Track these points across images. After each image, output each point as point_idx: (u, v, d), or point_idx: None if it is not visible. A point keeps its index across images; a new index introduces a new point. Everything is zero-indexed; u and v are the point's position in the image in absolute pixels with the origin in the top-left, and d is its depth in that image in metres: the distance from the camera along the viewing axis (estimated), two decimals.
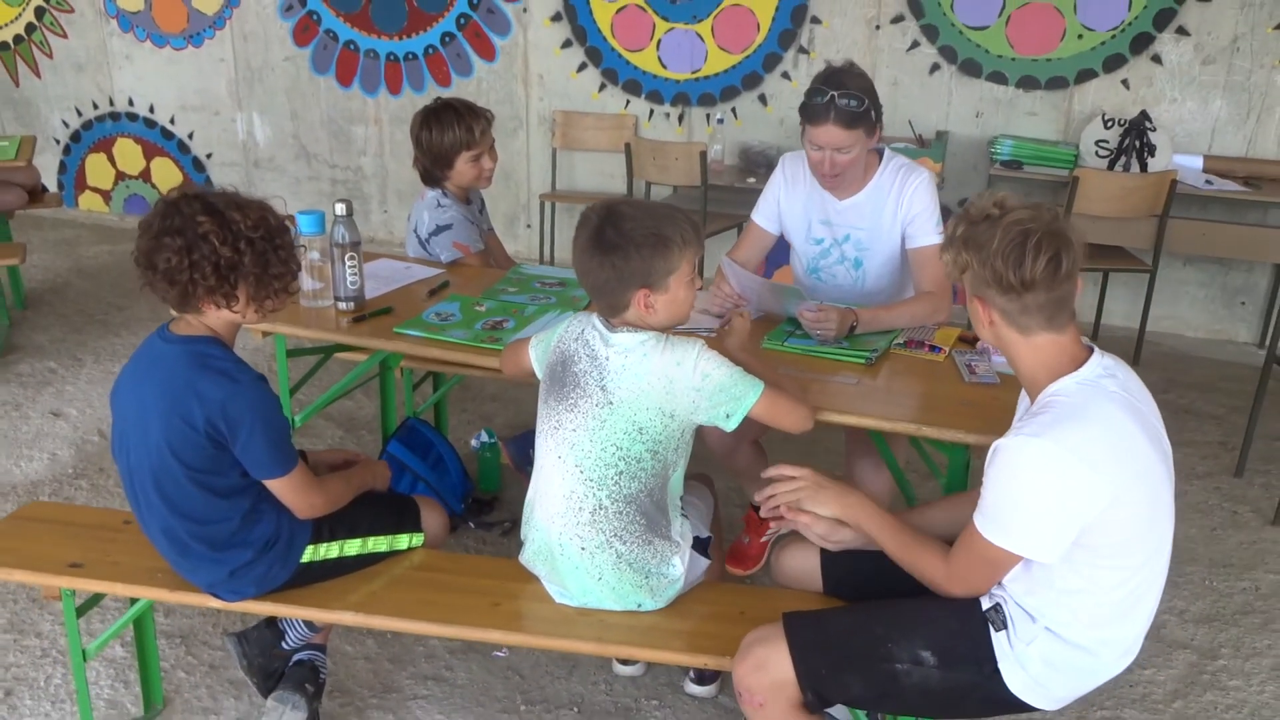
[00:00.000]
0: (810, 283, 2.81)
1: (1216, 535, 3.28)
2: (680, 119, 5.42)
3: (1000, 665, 1.73)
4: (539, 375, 2.10)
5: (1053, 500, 1.61)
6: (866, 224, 2.66)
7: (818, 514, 1.91)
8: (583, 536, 1.98)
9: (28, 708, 2.45)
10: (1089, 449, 1.60)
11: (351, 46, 5.77)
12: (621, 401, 1.93)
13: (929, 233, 2.62)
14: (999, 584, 1.76)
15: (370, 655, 2.65)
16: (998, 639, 1.74)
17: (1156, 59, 4.63)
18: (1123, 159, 4.59)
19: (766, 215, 2.82)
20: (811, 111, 2.48)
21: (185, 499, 1.94)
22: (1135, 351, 4.58)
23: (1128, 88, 4.70)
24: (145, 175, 6.45)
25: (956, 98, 4.96)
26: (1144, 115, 4.56)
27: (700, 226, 2.02)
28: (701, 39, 5.22)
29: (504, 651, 2.64)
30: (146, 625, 2.36)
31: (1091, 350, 1.73)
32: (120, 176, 6.50)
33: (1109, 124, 4.66)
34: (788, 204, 2.78)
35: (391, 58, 5.74)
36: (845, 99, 2.43)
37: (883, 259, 2.69)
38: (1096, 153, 4.68)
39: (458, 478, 3.19)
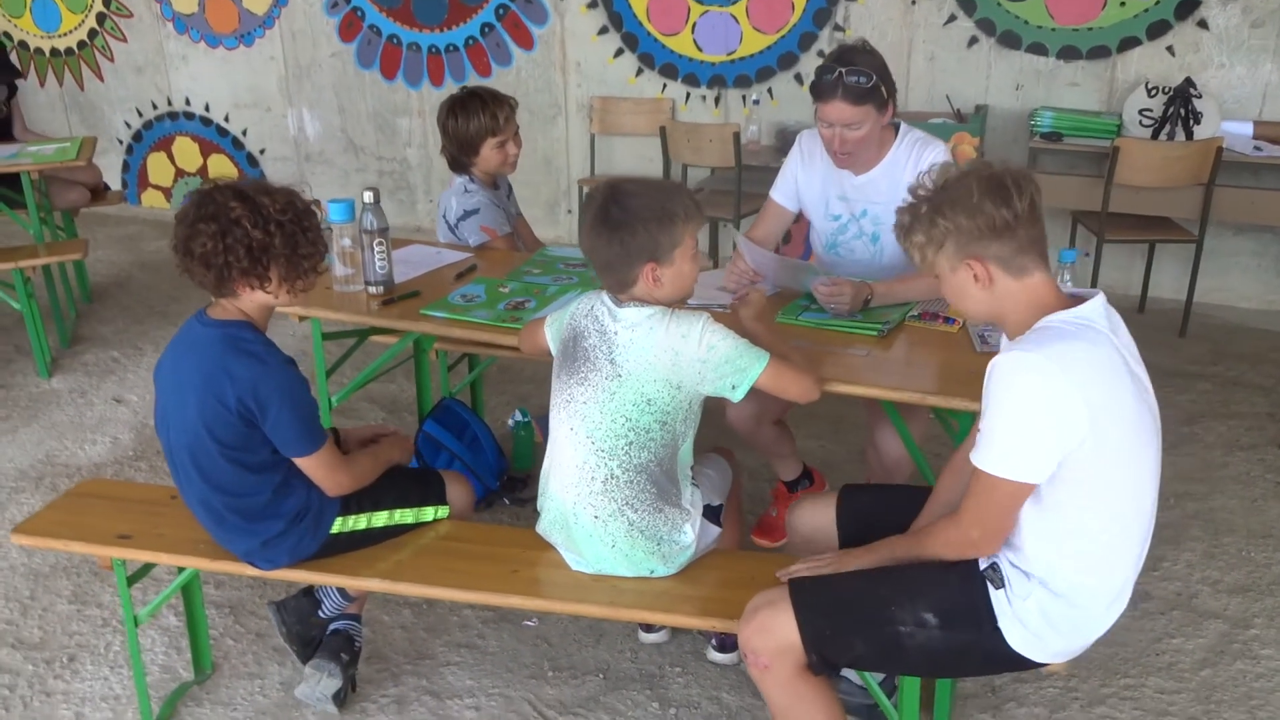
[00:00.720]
0: (829, 259, 2.84)
1: (1258, 506, 3.25)
2: (717, 101, 5.45)
3: (1000, 623, 1.77)
4: (553, 352, 2.17)
5: (1039, 414, 1.64)
6: (883, 198, 2.68)
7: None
8: (596, 505, 2.05)
9: (89, 672, 2.60)
10: (1075, 367, 1.63)
11: (394, 40, 5.89)
12: (630, 374, 1.99)
13: None
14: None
15: (406, 625, 2.75)
16: (996, 598, 1.77)
17: (1203, 24, 4.54)
18: (1167, 128, 4.52)
19: (785, 193, 2.86)
20: (820, 89, 2.51)
21: (219, 473, 2.06)
22: (1182, 323, 4.52)
23: (1173, 54, 4.62)
24: (203, 172, 6.66)
25: (996, 71, 4.92)
26: (1189, 82, 4.47)
27: (700, 201, 2.08)
28: (736, 20, 5.24)
29: (534, 621, 2.73)
30: (195, 594, 2.50)
31: (1079, 301, 1.75)
32: (180, 174, 6.73)
33: (1153, 92, 4.59)
34: (805, 181, 2.81)
35: (433, 50, 5.85)
36: (853, 75, 2.46)
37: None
38: (1140, 122, 4.61)
39: (492, 456, 3.28)
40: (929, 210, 1.72)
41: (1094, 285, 4.56)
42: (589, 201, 2.03)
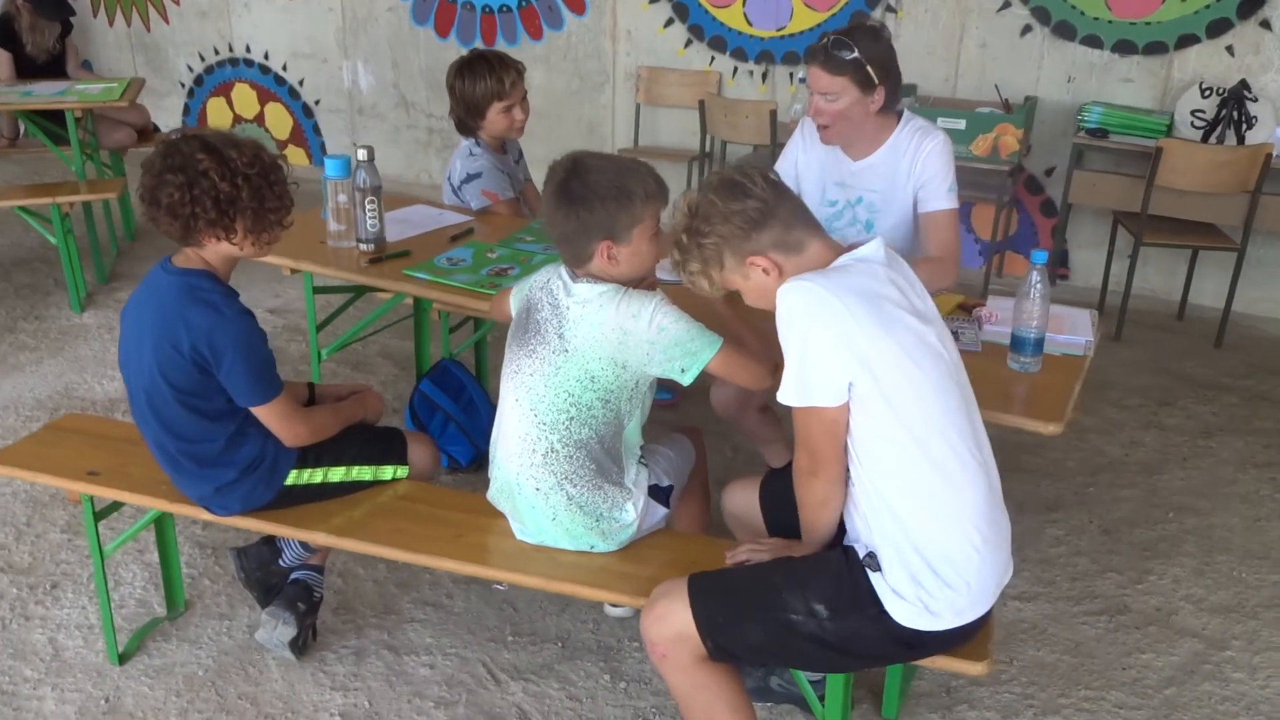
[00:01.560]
0: None
1: (1259, 526, 3.14)
2: (764, 76, 5.37)
3: (884, 604, 1.76)
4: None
5: (813, 335, 1.70)
6: (880, 186, 2.64)
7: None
8: (536, 477, 2.06)
9: (69, 600, 2.71)
10: (844, 288, 1.71)
11: None
12: (576, 350, 1.99)
13: (939, 197, 2.58)
14: (858, 528, 1.81)
15: (379, 579, 2.81)
16: (876, 579, 1.77)
17: (1266, 24, 4.34)
18: (1218, 130, 4.34)
19: (784, 175, 2.79)
20: (807, 53, 2.55)
21: (174, 418, 2.11)
22: (1219, 333, 4.37)
23: (1232, 54, 4.42)
24: (259, 120, 6.78)
25: (1048, 61, 4.76)
26: (1243, 85, 4.29)
27: (664, 182, 2.05)
28: None
29: (503, 586, 2.76)
30: (168, 532, 2.57)
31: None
32: (237, 120, 6.86)
33: (1207, 93, 4.41)
34: (805, 164, 2.77)
35: (487, 10, 5.86)
36: (838, 47, 2.46)
37: (893, 222, 2.66)
38: (1192, 123, 4.43)
39: (487, 419, 3.31)
40: (690, 237, 1.81)
41: (1129, 289, 4.45)
42: (551, 173, 2.02)
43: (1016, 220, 5.02)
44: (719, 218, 1.76)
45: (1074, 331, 2.40)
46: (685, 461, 2.35)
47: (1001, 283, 4.93)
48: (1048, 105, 4.79)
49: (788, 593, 1.79)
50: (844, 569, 1.79)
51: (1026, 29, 4.75)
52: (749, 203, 1.74)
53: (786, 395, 1.75)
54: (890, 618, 1.76)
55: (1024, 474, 3.35)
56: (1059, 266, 4.97)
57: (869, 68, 2.45)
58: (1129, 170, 4.50)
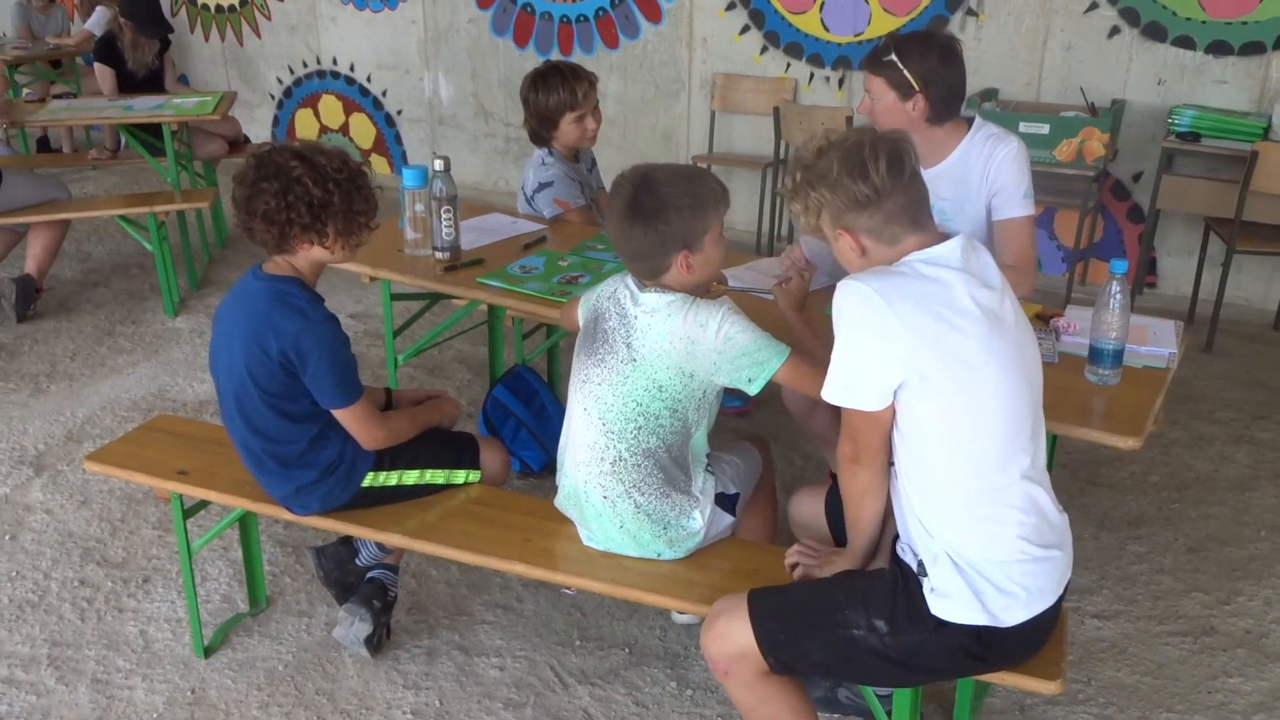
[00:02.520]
0: None
1: None
2: (840, 83, 5.33)
3: (934, 611, 1.74)
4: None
5: (864, 340, 1.70)
6: (951, 194, 2.60)
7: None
8: (604, 485, 2.09)
9: (159, 594, 2.81)
10: (896, 291, 1.68)
11: (528, 9, 5.99)
12: (644, 359, 2.01)
13: (1016, 205, 2.54)
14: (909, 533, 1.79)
15: (451, 581, 2.86)
16: (926, 590, 1.75)
17: None
18: None
19: None
20: None
21: (260, 418, 2.19)
22: None
23: None
24: (344, 129, 6.96)
25: (1137, 63, 4.64)
26: None
27: (724, 184, 2.07)
28: (866, 1, 5.11)
29: (572, 591, 2.79)
30: (251, 531, 2.66)
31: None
32: (323, 130, 7.05)
33: None
34: None
35: (564, 20, 5.93)
36: (883, 49, 2.53)
37: (967, 230, 2.58)
38: None
39: (559, 425, 3.32)
40: (802, 180, 1.77)
41: (1221, 298, 4.30)
42: (617, 190, 2.02)
43: (1102, 227, 4.89)
44: (828, 185, 1.73)
45: (1157, 343, 2.34)
46: (752, 470, 2.35)
47: (1085, 291, 4.81)
48: (1136, 109, 4.66)
49: (849, 608, 1.78)
50: (899, 583, 1.78)
51: (1114, 30, 4.63)
52: (861, 185, 1.70)
53: (830, 392, 1.75)
54: (946, 624, 1.73)
55: (1104, 489, 3.27)
56: (1147, 274, 4.83)
57: (907, 74, 2.48)
58: (1222, 175, 4.35)
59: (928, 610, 1.75)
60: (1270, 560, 2.94)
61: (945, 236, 1.77)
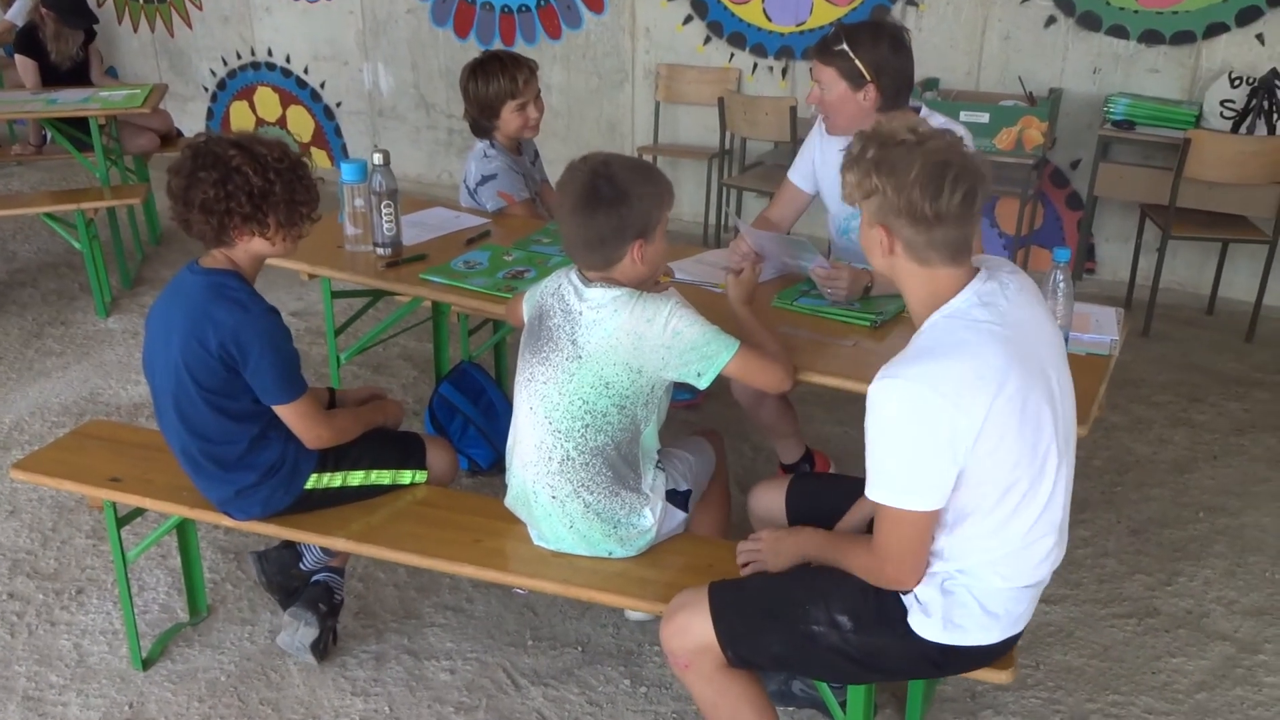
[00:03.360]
0: (842, 243, 2.77)
1: None
2: (784, 73, 5.33)
3: (910, 622, 1.73)
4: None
5: (919, 439, 1.59)
6: None
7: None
8: (553, 485, 2.05)
9: (94, 605, 2.72)
10: (948, 382, 1.57)
11: None
12: (590, 356, 1.97)
13: None
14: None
15: (399, 583, 2.81)
16: (905, 597, 1.74)
17: None
18: (1249, 120, 4.26)
19: (802, 174, 2.80)
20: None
21: (199, 418, 2.12)
22: (1250, 327, 4.30)
23: (1263, 43, 4.34)
24: (282, 122, 6.81)
25: (1073, 53, 4.69)
26: (1274, 73, 4.20)
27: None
28: None
29: (523, 591, 2.75)
30: (189, 538, 2.58)
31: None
32: (260, 123, 6.89)
33: (1237, 82, 4.32)
34: (823, 162, 2.75)
35: (506, 10, 5.85)
36: (832, 39, 2.51)
37: None
38: (1221, 113, 4.35)
39: (507, 422, 3.27)
40: (873, 160, 1.64)
41: (1158, 283, 4.38)
42: (571, 178, 1.98)
43: (1042, 214, 4.95)
44: (895, 183, 1.60)
45: (1099, 330, 2.36)
46: (704, 465, 2.33)
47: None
48: (1073, 97, 4.72)
49: (810, 604, 1.77)
50: (870, 584, 1.75)
51: (1050, 20, 4.68)
52: (926, 204, 1.59)
53: (878, 493, 1.63)
54: (916, 635, 1.73)
55: None
56: (1085, 261, 4.90)
57: (858, 63, 2.46)
58: (1157, 162, 4.43)
59: (899, 614, 1.73)
60: (1208, 541, 3.00)
61: (974, 271, 1.70)
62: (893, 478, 1.62)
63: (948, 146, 1.62)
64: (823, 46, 2.53)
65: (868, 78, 2.48)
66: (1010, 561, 1.70)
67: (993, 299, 1.66)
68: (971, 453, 1.59)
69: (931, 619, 1.71)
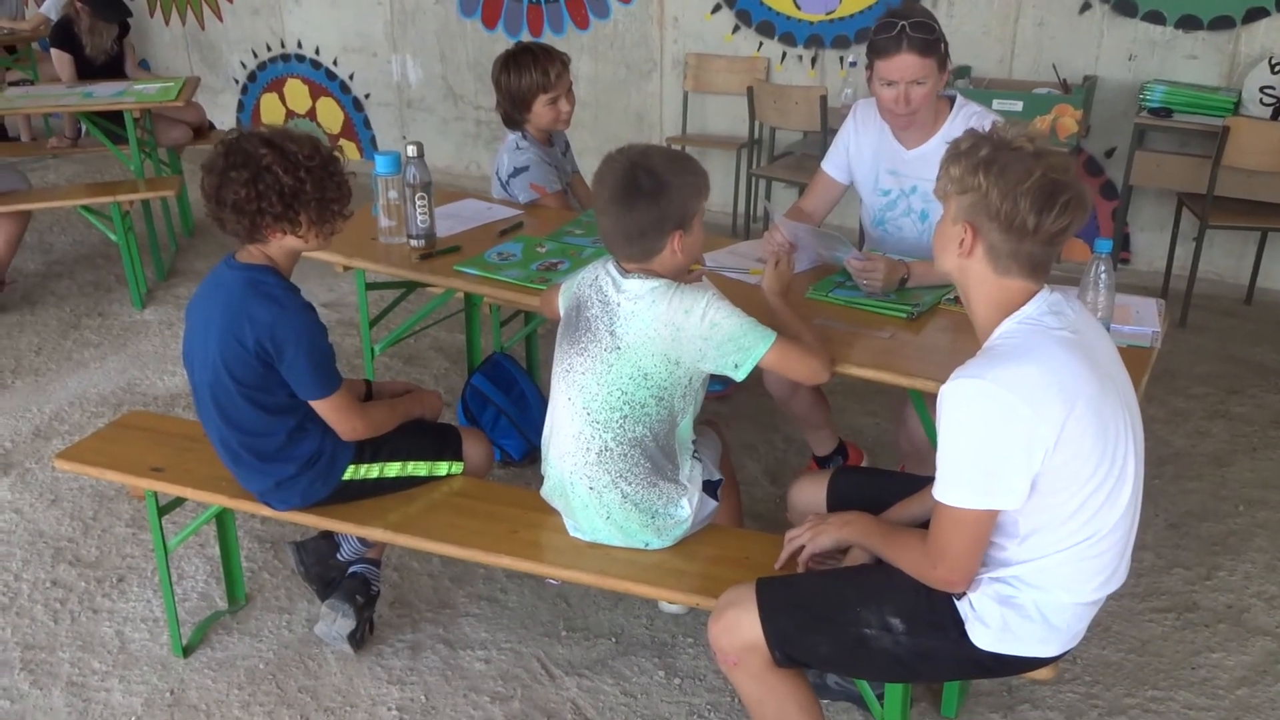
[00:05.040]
0: (876, 234, 2.75)
1: None
2: (813, 62, 5.30)
3: (967, 628, 1.71)
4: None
5: (997, 440, 1.57)
6: (934, 175, 2.55)
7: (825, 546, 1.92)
8: (590, 476, 2.06)
9: (134, 593, 2.76)
10: (1027, 386, 1.56)
11: None
12: (628, 346, 1.97)
13: None
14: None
15: (434, 573, 2.82)
16: (961, 604, 1.71)
17: None
18: None
19: (836, 164, 2.78)
20: (883, 45, 2.45)
21: (237, 412, 2.14)
22: None
23: None
24: (311, 114, 6.85)
25: (1108, 39, 4.64)
26: None
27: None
28: None
29: (557, 581, 2.76)
30: (228, 527, 2.61)
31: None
32: (290, 115, 6.94)
33: (1276, 68, 4.26)
34: (857, 152, 2.73)
35: (533, 0, 5.85)
36: (917, 28, 2.41)
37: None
38: (1261, 100, 4.29)
39: (539, 413, 3.31)
40: (985, 158, 1.61)
41: (1195, 273, 4.32)
42: (609, 171, 1.97)
43: None
44: (1004, 187, 1.58)
45: (1140, 322, 2.34)
46: (715, 455, 2.33)
47: (1060, 269, 4.81)
48: (1108, 85, 4.67)
49: (861, 606, 1.76)
50: (924, 587, 1.73)
51: (1085, 6, 4.62)
52: (1029, 215, 1.57)
53: (948, 494, 1.61)
54: (970, 641, 1.71)
55: None
56: (1120, 251, 4.85)
57: (944, 45, 2.44)
58: (1194, 150, 4.37)
59: (953, 620, 1.72)
60: (1248, 534, 2.97)
61: (1038, 289, 1.69)
62: (966, 478, 1.60)
63: (1067, 168, 1.61)
64: (916, 39, 2.41)
65: (945, 53, 2.47)
66: (1080, 578, 1.69)
67: (1061, 309, 1.66)
68: (1050, 459, 1.57)
69: (990, 629, 1.70)
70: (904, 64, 2.44)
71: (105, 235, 4.60)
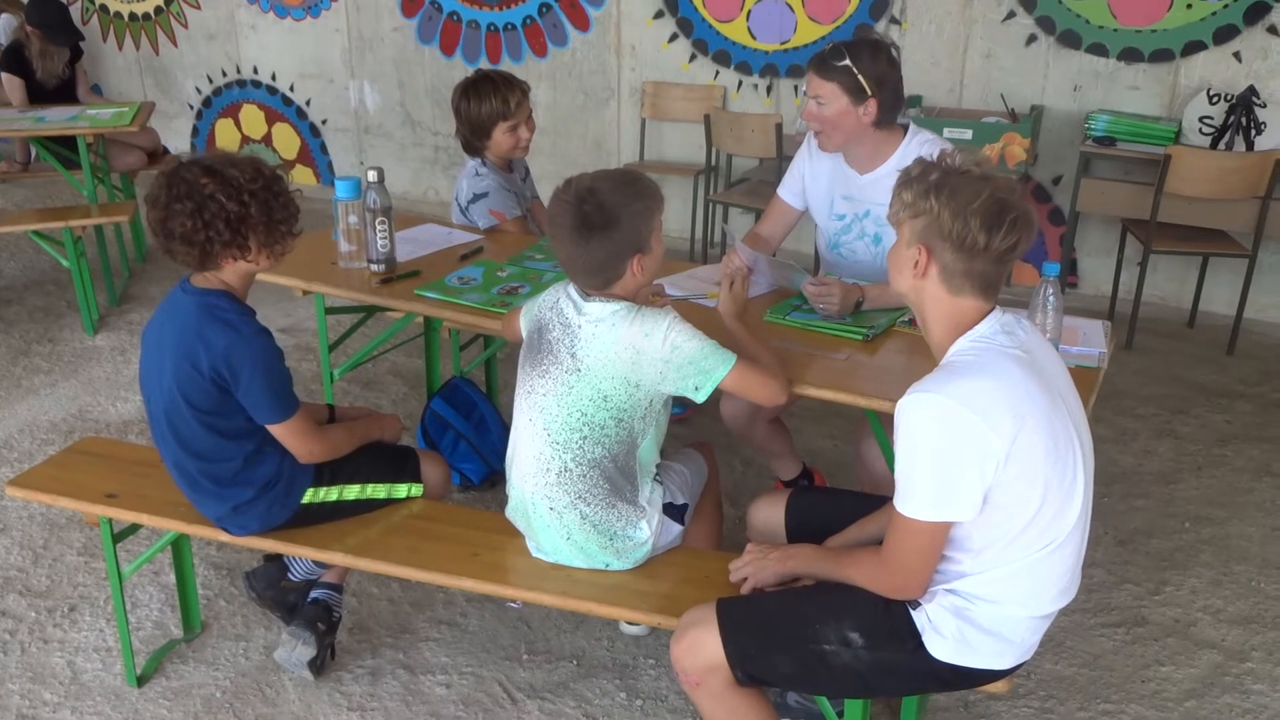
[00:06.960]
0: (831, 259, 2.80)
1: (1278, 535, 3.12)
2: (769, 90, 5.39)
3: (923, 639, 1.74)
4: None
5: (951, 453, 1.62)
6: (886, 199, 2.59)
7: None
8: (550, 497, 2.07)
9: (86, 623, 2.71)
10: (980, 400, 1.61)
11: (455, 17, 5.94)
12: (589, 369, 1.99)
13: None
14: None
15: (394, 598, 2.81)
16: (917, 615, 1.75)
17: (1273, 29, 4.34)
18: (1227, 136, 4.34)
19: (792, 190, 2.83)
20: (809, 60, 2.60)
21: (193, 437, 2.12)
22: (1231, 339, 4.36)
23: (1240, 61, 4.42)
24: (267, 139, 6.82)
25: (1054, 70, 4.77)
26: (1251, 90, 4.29)
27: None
28: (791, 9, 5.17)
29: (518, 604, 2.76)
30: (184, 554, 2.58)
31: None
32: (245, 140, 6.90)
33: (1215, 99, 4.40)
34: (812, 179, 2.78)
35: (491, 28, 5.89)
36: (833, 54, 2.51)
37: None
38: (1200, 130, 4.43)
39: (499, 437, 3.31)
40: (935, 182, 1.68)
41: (1140, 297, 4.44)
42: (559, 208, 1.99)
43: None
44: (954, 209, 1.64)
45: (1087, 343, 2.40)
46: (698, 478, 2.35)
47: (1010, 292, 4.92)
48: (1054, 114, 4.80)
49: (820, 623, 1.78)
50: (884, 600, 1.76)
51: (1032, 39, 4.76)
52: (979, 234, 1.63)
53: (914, 507, 1.65)
54: (928, 653, 1.74)
55: None
56: (1068, 275, 4.96)
57: (860, 78, 2.48)
58: (1137, 178, 4.49)
59: (909, 632, 1.75)
60: (1194, 550, 3.04)
61: (992, 308, 1.74)
62: (920, 490, 1.64)
63: (1013, 189, 1.69)
64: (823, 61, 2.53)
65: (869, 92, 2.51)
66: (1032, 591, 1.73)
67: (1013, 329, 1.72)
68: (1002, 472, 1.62)
69: (946, 640, 1.73)
70: (809, 80, 2.59)
71: (56, 261, 4.53)
